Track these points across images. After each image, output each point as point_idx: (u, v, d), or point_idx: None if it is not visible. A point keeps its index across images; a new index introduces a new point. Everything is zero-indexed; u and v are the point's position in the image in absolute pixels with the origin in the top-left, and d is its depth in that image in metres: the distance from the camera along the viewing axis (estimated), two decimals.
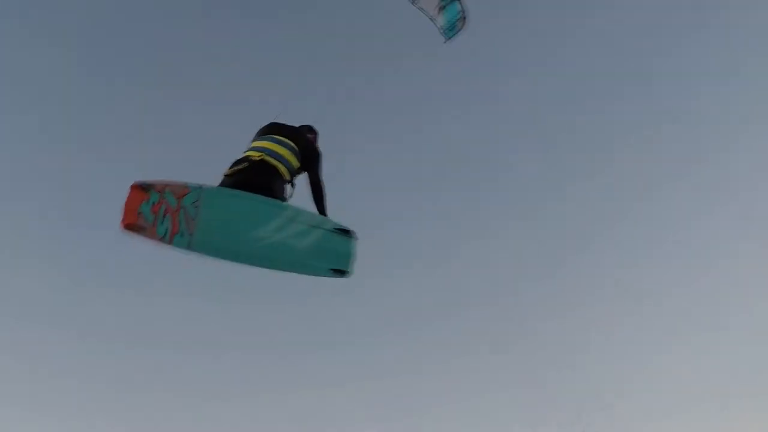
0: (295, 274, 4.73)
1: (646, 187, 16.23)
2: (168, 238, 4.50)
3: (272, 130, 5.51)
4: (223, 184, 5.04)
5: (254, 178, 5.00)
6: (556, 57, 17.02)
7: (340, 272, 4.78)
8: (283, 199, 5.18)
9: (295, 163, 5.31)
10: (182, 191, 4.58)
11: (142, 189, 4.53)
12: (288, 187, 5.26)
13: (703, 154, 16.36)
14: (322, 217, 4.96)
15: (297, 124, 5.78)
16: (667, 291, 15.63)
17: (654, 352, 14.49)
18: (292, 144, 5.38)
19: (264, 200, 4.78)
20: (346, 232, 4.85)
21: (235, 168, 5.06)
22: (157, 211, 4.52)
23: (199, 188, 4.63)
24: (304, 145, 5.51)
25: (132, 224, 4.45)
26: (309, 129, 5.88)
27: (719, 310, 14.82)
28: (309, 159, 5.45)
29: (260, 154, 5.14)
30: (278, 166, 5.14)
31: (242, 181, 4.97)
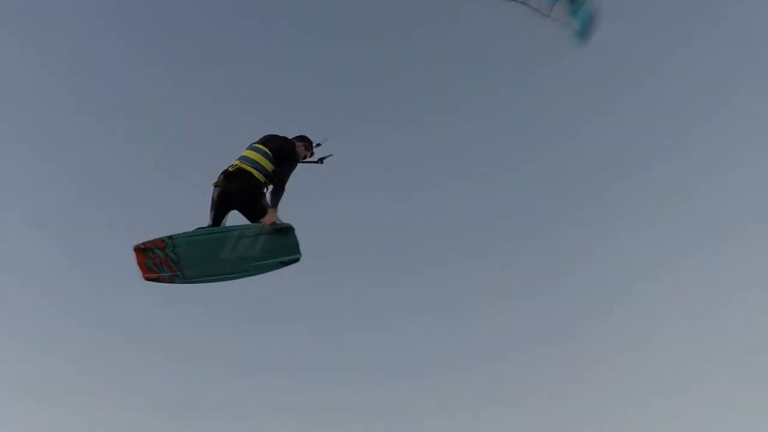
0: (262, 277, 5.97)
1: None
2: (172, 279, 6.10)
3: (259, 140, 6.32)
4: (213, 193, 6.21)
5: (231, 185, 6.02)
6: None
7: (292, 261, 5.84)
8: (262, 196, 6.08)
9: (269, 166, 6.07)
10: (162, 244, 6.00)
11: (140, 250, 6.10)
12: (265, 187, 6.09)
13: None
14: (260, 225, 5.84)
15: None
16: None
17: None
18: (267, 150, 6.13)
19: (213, 230, 5.92)
20: (285, 230, 5.76)
21: (219, 178, 6.12)
22: (156, 263, 6.08)
23: (170, 238, 5.98)
24: (279, 149, 6.18)
25: (148, 276, 6.16)
26: (300, 138, 6.51)
27: None
28: (280, 161, 6.12)
29: (237, 163, 6.07)
30: (252, 172, 6.00)
31: (223, 190, 6.06)
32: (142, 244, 6.08)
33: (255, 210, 6.01)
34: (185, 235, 6.03)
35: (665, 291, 15.89)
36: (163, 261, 6.04)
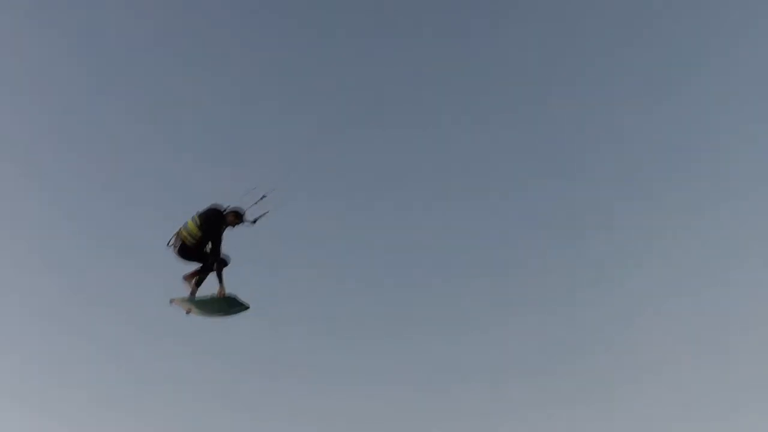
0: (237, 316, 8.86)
1: None
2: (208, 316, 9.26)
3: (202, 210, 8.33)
4: None
5: (175, 245, 8.34)
6: None
7: (246, 309, 8.60)
8: (199, 250, 8.30)
9: (195, 231, 8.12)
10: (184, 302, 9.12)
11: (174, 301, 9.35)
12: (199, 249, 8.28)
13: None
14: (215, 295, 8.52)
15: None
16: None
17: None
18: (198, 219, 8.16)
19: (196, 297, 8.83)
20: (230, 297, 8.48)
21: (169, 240, 8.46)
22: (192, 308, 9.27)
23: (182, 299, 9.05)
24: (206, 219, 8.12)
25: (188, 312, 9.50)
26: (232, 210, 8.21)
27: None
28: (206, 229, 8.13)
29: (179, 228, 8.32)
30: (186, 238, 8.20)
31: (174, 248, 8.42)
32: (171, 300, 9.29)
33: (200, 259, 8.33)
34: (191, 298, 8.98)
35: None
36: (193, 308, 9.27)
